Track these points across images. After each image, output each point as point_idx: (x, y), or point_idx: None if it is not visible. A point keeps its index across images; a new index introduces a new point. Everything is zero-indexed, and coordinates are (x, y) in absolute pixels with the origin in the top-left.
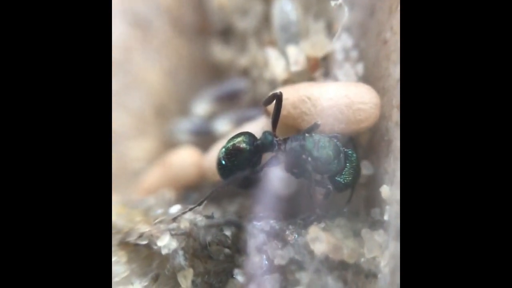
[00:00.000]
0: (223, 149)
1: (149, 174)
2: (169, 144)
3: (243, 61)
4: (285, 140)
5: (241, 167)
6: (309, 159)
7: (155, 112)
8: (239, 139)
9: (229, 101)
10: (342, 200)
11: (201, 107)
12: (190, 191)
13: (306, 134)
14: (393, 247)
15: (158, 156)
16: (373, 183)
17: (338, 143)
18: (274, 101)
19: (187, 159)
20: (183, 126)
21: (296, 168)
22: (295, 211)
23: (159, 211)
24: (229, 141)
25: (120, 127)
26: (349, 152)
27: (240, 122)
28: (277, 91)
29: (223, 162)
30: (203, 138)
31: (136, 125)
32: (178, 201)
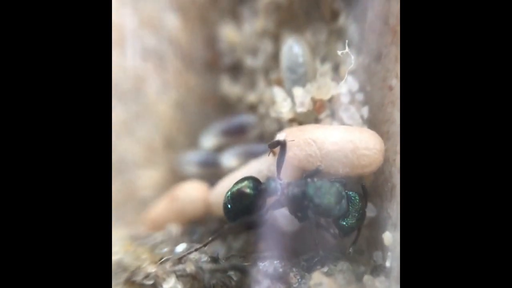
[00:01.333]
0: (229, 193)
1: (156, 206)
2: (177, 175)
3: (251, 97)
4: (288, 184)
5: (246, 211)
6: (311, 205)
7: (164, 143)
8: (244, 184)
9: (236, 136)
10: (346, 240)
11: (209, 140)
12: (196, 225)
13: (308, 180)
14: None
15: (166, 186)
16: (376, 225)
17: (340, 187)
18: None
19: (193, 193)
20: (191, 158)
21: (299, 212)
22: (299, 248)
23: (165, 249)
24: (234, 186)
25: (129, 156)
26: (352, 195)
27: (246, 157)
28: (282, 137)
29: (229, 206)
30: (211, 170)
31: (145, 155)
32: (184, 236)
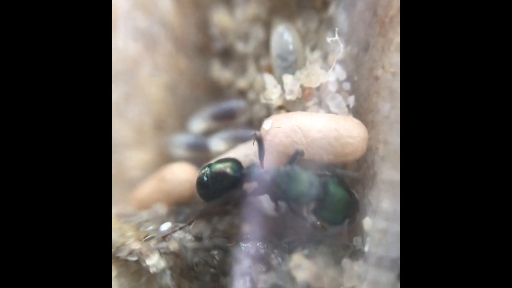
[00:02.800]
0: (208, 169)
1: (144, 186)
2: (166, 157)
3: (241, 83)
4: (264, 172)
5: (221, 191)
6: (280, 191)
7: (154, 125)
8: (227, 164)
9: (225, 120)
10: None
11: (198, 124)
12: (182, 206)
13: (280, 167)
14: (372, 276)
15: (154, 168)
16: None
17: (311, 175)
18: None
19: (181, 175)
20: (180, 140)
21: (276, 199)
22: (282, 231)
23: (151, 227)
24: (217, 163)
25: (119, 136)
26: (331, 185)
27: (234, 141)
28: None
29: (206, 179)
30: (199, 153)
31: (135, 136)
32: (170, 216)
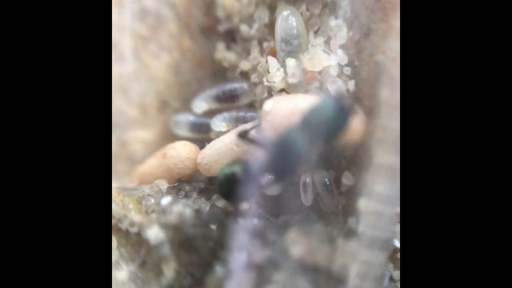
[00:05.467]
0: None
1: (146, 163)
2: (169, 137)
3: (244, 65)
4: None
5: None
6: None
7: (157, 104)
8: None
9: (227, 102)
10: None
11: (200, 105)
12: (183, 183)
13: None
14: (364, 256)
15: (157, 146)
16: (353, 193)
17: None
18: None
19: (182, 152)
20: (181, 120)
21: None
22: (279, 210)
23: (152, 201)
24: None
25: (122, 114)
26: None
27: (236, 122)
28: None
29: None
30: (201, 133)
31: (138, 114)
32: (170, 192)
